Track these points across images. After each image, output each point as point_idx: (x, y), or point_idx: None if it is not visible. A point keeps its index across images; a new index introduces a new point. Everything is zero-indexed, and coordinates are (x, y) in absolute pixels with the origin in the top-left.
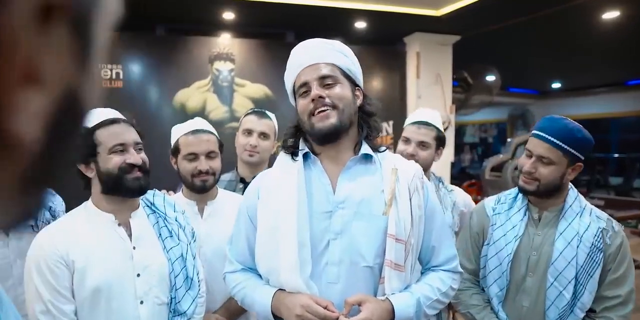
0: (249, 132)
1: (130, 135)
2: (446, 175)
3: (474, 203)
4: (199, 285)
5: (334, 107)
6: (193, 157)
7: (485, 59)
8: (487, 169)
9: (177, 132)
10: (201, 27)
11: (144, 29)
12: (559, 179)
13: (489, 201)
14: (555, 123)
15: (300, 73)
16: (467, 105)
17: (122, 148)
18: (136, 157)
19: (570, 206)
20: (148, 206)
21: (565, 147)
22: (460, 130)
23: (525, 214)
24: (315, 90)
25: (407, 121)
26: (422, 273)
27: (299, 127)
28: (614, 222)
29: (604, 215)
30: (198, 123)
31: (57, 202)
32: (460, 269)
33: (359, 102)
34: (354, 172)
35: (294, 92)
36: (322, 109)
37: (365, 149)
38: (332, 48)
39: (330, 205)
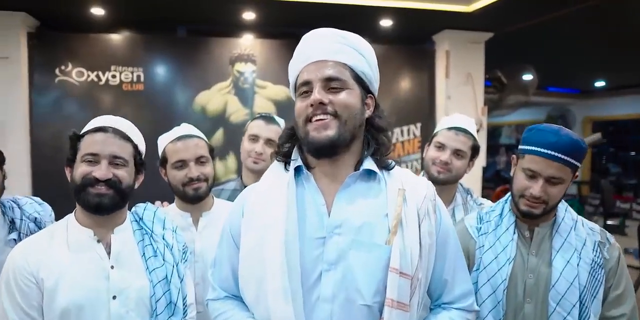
0: (254, 138)
1: (110, 146)
2: (476, 186)
3: None
4: (184, 311)
5: (335, 116)
6: (182, 164)
7: (521, 57)
8: None
9: (163, 140)
10: (222, 28)
11: (165, 30)
12: (564, 195)
13: (470, 220)
14: (560, 137)
15: (304, 69)
16: (501, 106)
17: (92, 158)
18: (103, 171)
19: (563, 219)
20: (136, 221)
21: (575, 162)
22: (495, 132)
23: (514, 232)
24: (317, 94)
25: (442, 125)
26: (430, 310)
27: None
28: (608, 234)
29: (596, 226)
30: (184, 129)
31: (43, 212)
32: (476, 307)
33: (368, 113)
34: (354, 191)
35: (295, 89)
36: (321, 117)
37: (369, 164)
38: (348, 44)
39: (324, 230)
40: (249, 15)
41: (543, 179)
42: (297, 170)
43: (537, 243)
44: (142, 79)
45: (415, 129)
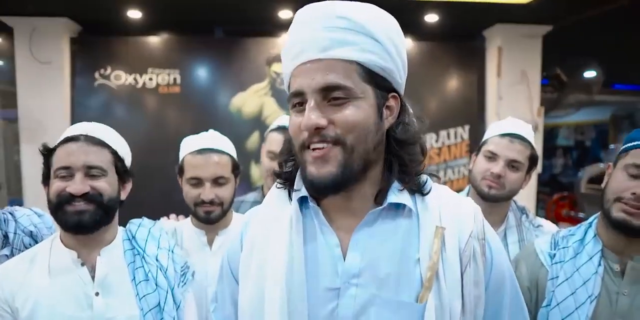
0: (274, 156)
1: (83, 156)
2: (531, 193)
3: None
4: None
5: (337, 142)
6: (197, 182)
7: (583, 52)
8: (584, 181)
9: (185, 147)
10: (259, 27)
11: (202, 32)
12: None
13: (542, 244)
14: None
15: (295, 71)
16: (559, 106)
17: (65, 172)
18: (78, 185)
19: None
20: (129, 240)
21: None
22: (551, 132)
23: (600, 264)
24: (310, 116)
25: (493, 132)
26: None
27: None
28: None
29: None
30: (207, 139)
31: (42, 224)
32: None
33: (389, 121)
34: (376, 230)
35: (289, 98)
36: (319, 145)
37: (396, 195)
38: (353, 27)
39: (338, 279)
40: (285, 14)
41: None
42: (304, 200)
43: (631, 280)
44: (178, 81)
45: (463, 132)
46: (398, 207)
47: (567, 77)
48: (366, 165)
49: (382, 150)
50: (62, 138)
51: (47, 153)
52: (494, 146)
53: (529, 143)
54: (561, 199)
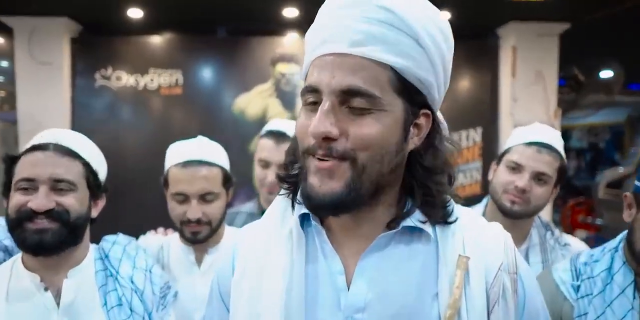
0: (265, 164)
1: (50, 168)
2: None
3: None
4: None
5: (344, 158)
6: (182, 198)
7: (602, 51)
8: (602, 186)
9: (170, 157)
10: (263, 26)
11: (204, 31)
12: None
13: (563, 274)
14: None
15: (315, 62)
16: (577, 108)
17: (28, 184)
18: (41, 200)
19: None
20: (101, 259)
21: None
22: (564, 134)
23: (635, 297)
24: (322, 123)
25: (518, 139)
26: None
27: None
28: None
29: None
30: (194, 149)
31: None
32: None
33: (412, 143)
34: (387, 256)
35: (302, 92)
36: (325, 158)
37: (412, 218)
38: (394, 22)
39: (340, 313)
40: (290, 12)
41: None
42: (307, 216)
43: None
44: (180, 81)
45: (476, 135)
46: (413, 230)
47: (585, 78)
48: (377, 189)
49: (400, 174)
50: (28, 145)
51: (10, 161)
52: (519, 156)
53: (559, 153)
54: (577, 205)
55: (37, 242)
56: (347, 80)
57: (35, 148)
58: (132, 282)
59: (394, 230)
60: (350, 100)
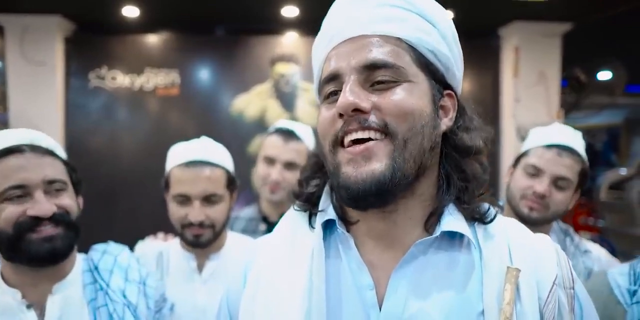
0: (270, 161)
1: (40, 170)
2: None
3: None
4: None
5: (385, 133)
6: (184, 199)
7: (605, 51)
8: (604, 188)
9: (172, 158)
10: (262, 25)
11: (202, 30)
12: None
13: (618, 277)
14: None
15: (330, 54)
16: (578, 109)
17: (20, 192)
18: (44, 205)
19: None
20: (90, 271)
21: None
22: None
23: None
24: (348, 94)
25: (537, 141)
26: None
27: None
28: None
29: None
30: (198, 149)
31: None
32: None
33: (445, 124)
34: (425, 268)
35: (320, 89)
36: (360, 135)
37: (451, 221)
38: (405, 6)
39: None
40: (290, 11)
41: None
42: (329, 225)
43: None
44: (177, 81)
45: None
46: (453, 236)
47: (587, 78)
48: (418, 170)
49: (437, 158)
50: None
51: None
52: (538, 159)
53: (580, 156)
54: (578, 206)
55: (48, 251)
56: (366, 56)
57: (8, 152)
58: (124, 296)
59: (433, 236)
60: (374, 74)
